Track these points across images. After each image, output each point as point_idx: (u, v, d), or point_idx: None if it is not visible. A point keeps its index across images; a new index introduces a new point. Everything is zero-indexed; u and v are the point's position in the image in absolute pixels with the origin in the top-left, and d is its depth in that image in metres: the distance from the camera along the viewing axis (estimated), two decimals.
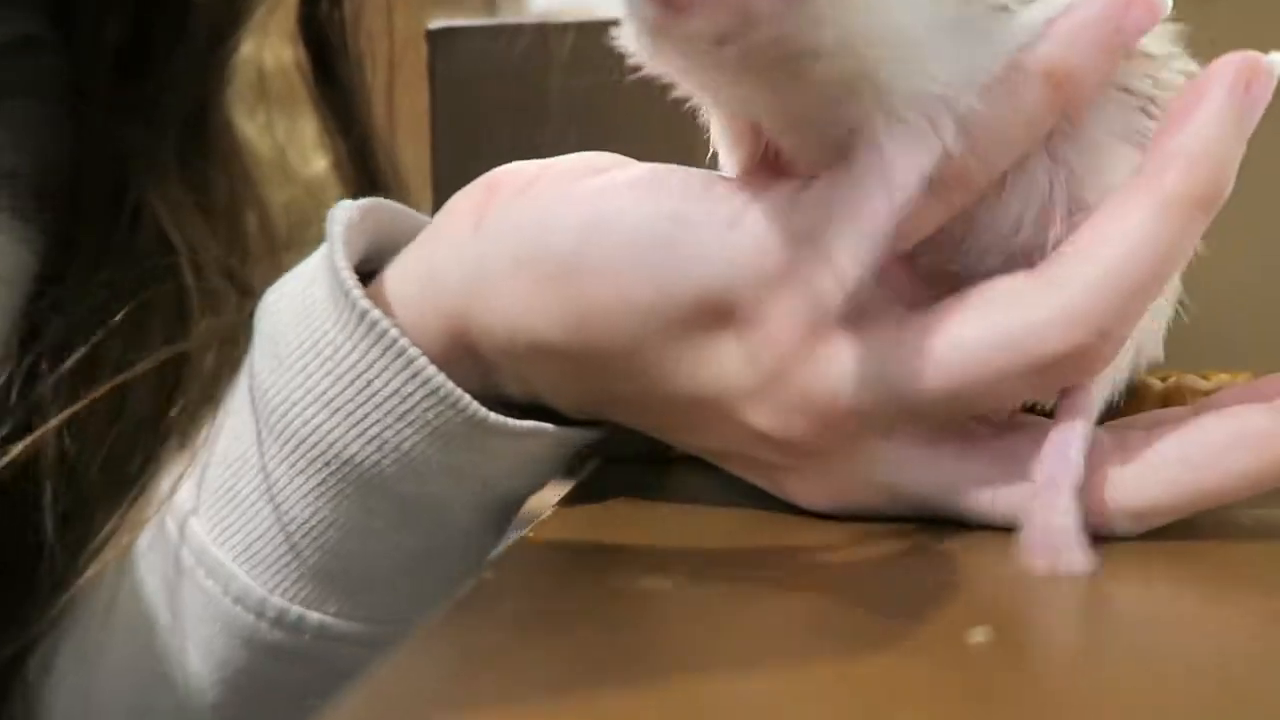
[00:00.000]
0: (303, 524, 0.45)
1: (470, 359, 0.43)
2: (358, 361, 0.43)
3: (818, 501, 0.41)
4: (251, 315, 0.48)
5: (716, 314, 0.39)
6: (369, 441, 0.43)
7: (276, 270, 0.48)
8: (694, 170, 0.40)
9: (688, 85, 0.39)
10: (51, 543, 0.52)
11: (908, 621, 0.33)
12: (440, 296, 0.42)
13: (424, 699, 0.28)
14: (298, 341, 0.44)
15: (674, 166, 0.40)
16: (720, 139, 0.41)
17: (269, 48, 0.66)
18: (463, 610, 0.33)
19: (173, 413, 0.56)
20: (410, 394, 0.42)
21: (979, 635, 0.30)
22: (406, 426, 0.43)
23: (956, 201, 0.38)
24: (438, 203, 0.60)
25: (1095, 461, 0.38)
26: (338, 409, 0.43)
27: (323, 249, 0.44)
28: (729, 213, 0.38)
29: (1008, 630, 0.31)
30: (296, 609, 0.46)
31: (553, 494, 0.47)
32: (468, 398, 0.42)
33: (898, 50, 0.35)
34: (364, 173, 0.64)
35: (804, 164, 0.39)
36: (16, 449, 0.51)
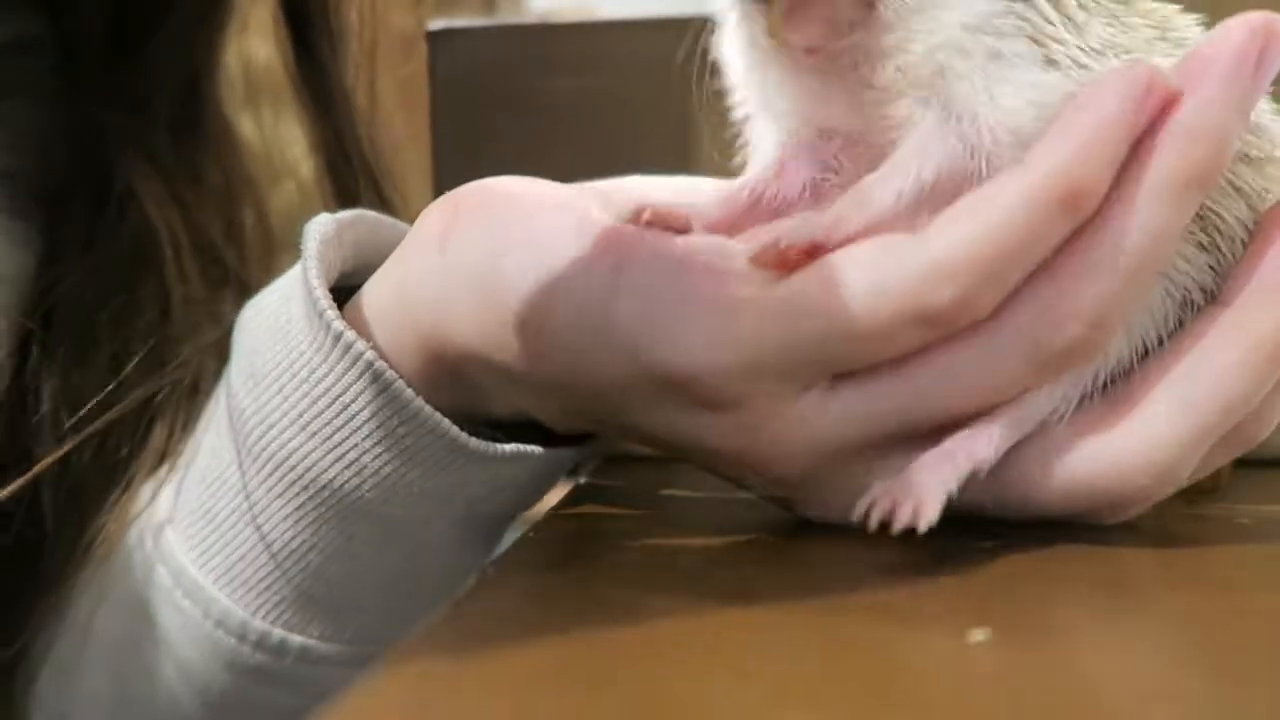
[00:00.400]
0: (284, 547, 0.44)
1: (451, 377, 0.41)
2: (334, 385, 0.41)
3: (827, 514, 0.40)
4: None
5: (681, 394, 0.37)
6: (347, 466, 0.42)
7: (272, 268, 0.48)
8: (654, 232, 0.38)
9: (772, 95, 0.40)
10: (51, 529, 0.52)
11: (908, 621, 0.33)
12: (415, 314, 0.41)
13: (427, 690, 0.28)
14: (274, 362, 0.43)
15: (622, 225, 0.38)
16: (759, 145, 0.41)
17: (261, 44, 0.66)
18: (464, 607, 0.34)
19: (158, 398, 0.55)
20: (388, 418, 0.41)
21: (979, 635, 0.31)
22: (385, 451, 0.42)
23: (956, 328, 0.36)
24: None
25: (1087, 429, 0.38)
26: (315, 432, 0.42)
27: (298, 265, 0.43)
28: (681, 293, 0.36)
29: (1008, 630, 0.31)
30: (279, 632, 0.45)
31: (554, 493, 0.47)
32: (447, 422, 0.41)
33: (957, 67, 0.36)
34: (344, 157, 0.63)
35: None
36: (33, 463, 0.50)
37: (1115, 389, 0.38)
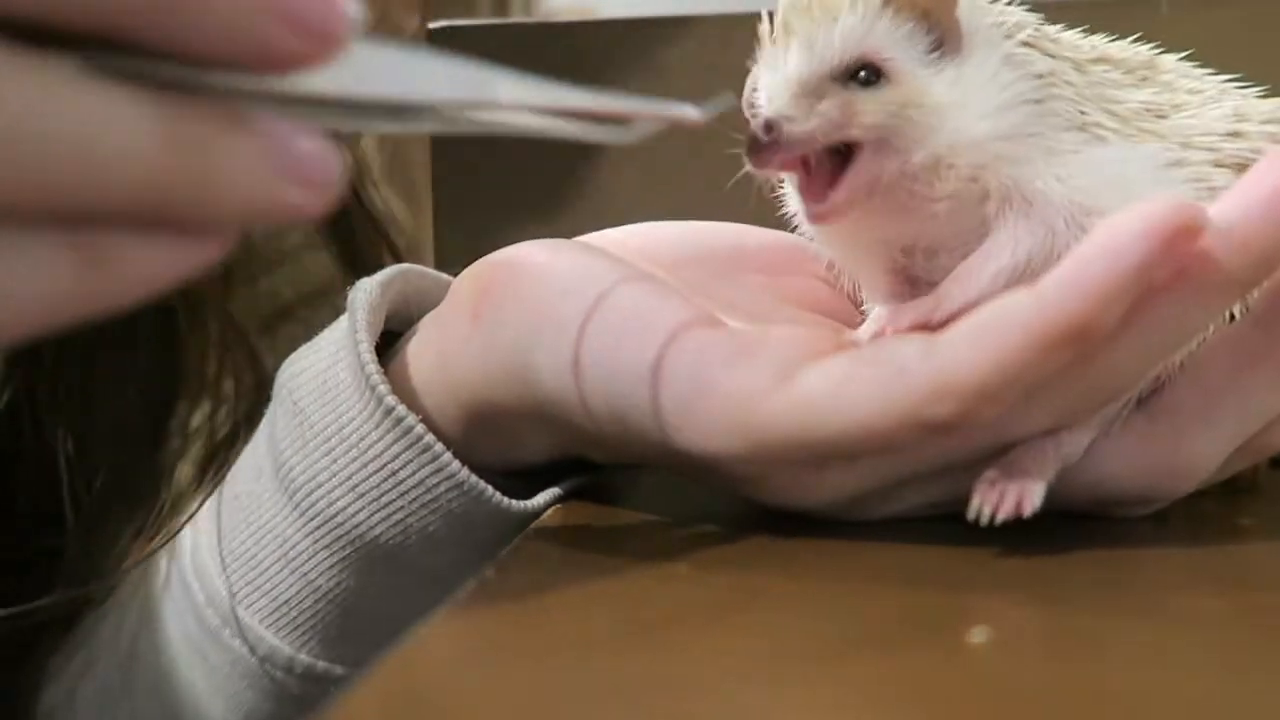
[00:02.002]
0: (328, 592, 0.46)
1: (491, 436, 0.44)
2: (383, 452, 0.44)
3: (822, 510, 0.41)
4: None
5: (711, 469, 0.39)
6: (394, 525, 0.44)
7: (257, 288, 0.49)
8: (675, 318, 0.39)
9: (846, 243, 0.42)
10: (71, 527, 0.53)
11: (908, 621, 0.33)
12: (456, 387, 0.43)
13: (429, 690, 0.28)
14: (323, 425, 0.45)
15: (658, 298, 0.39)
16: (864, 283, 0.43)
17: None
18: (465, 607, 0.34)
19: (173, 422, 0.57)
20: (435, 485, 0.43)
21: (979, 635, 0.31)
22: (431, 513, 0.44)
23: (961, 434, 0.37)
24: (439, 201, 0.61)
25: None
26: (363, 494, 0.44)
27: (344, 326, 0.45)
28: (703, 384, 0.37)
29: (1008, 630, 0.31)
30: (323, 664, 0.47)
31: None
32: (490, 490, 0.43)
33: (1018, 169, 0.38)
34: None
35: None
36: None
37: (1151, 399, 0.39)
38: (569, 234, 0.46)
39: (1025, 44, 0.39)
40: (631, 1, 0.67)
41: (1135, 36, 0.41)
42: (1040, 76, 0.39)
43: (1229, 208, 0.35)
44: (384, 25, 0.67)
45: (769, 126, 0.38)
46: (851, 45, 0.39)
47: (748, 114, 0.40)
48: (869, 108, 0.38)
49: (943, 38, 0.39)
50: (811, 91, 0.38)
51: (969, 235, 0.39)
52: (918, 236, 0.40)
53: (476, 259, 0.44)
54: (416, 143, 0.63)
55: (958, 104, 0.38)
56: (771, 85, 0.39)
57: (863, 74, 0.39)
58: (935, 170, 0.39)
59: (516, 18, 0.74)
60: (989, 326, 0.35)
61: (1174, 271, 0.35)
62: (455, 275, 0.45)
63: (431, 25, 0.60)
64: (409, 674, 0.30)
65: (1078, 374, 0.36)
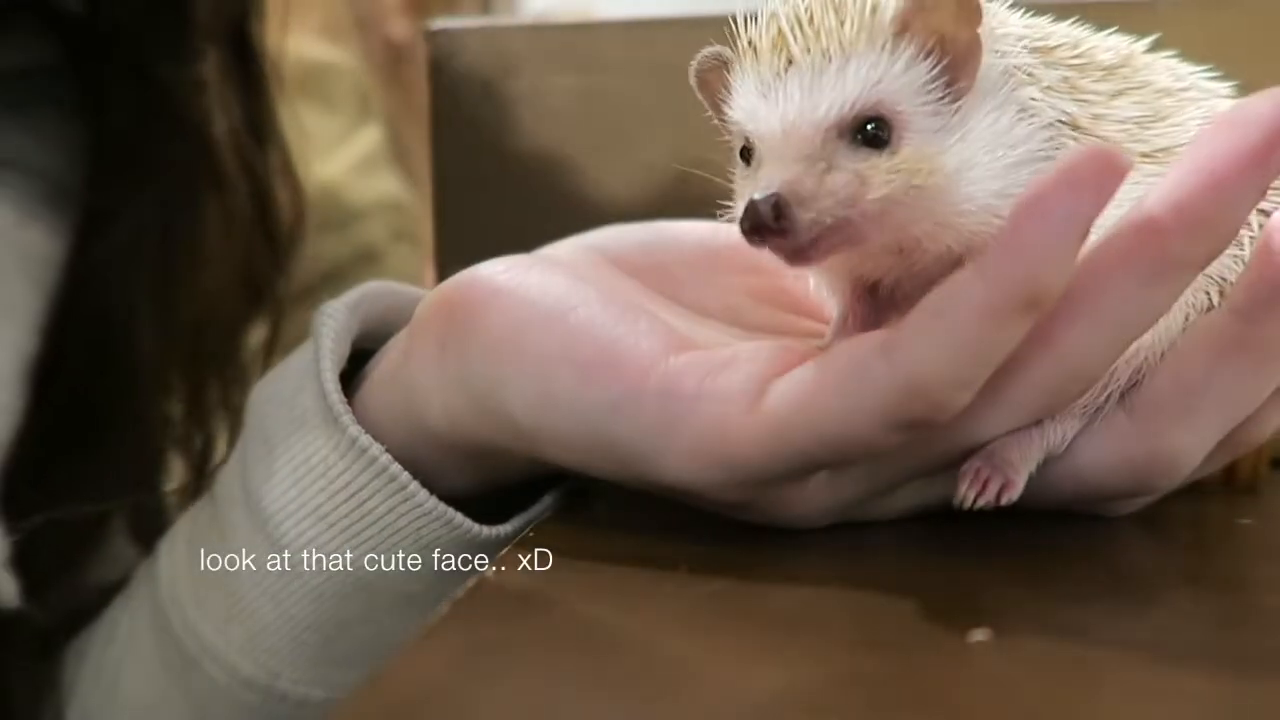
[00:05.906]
0: (303, 620, 0.46)
1: (462, 462, 0.44)
2: (350, 483, 0.44)
3: (812, 523, 0.41)
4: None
5: (689, 497, 0.39)
6: (365, 555, 0.44)
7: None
8: (642, 347, 0.38)
9: (830, 268, 0.40)
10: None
11: (908, 621, 0.33)
12: (425, 421, 0.43)
13: (429, 690, 0.28)
14: (290, 455, 0.45)
15: (626, 325, 0.39)
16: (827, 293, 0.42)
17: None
18: (464, 608, 0.34)
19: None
20: (404, 513, 0.44)
21: (979, 635, 0.31)
22: (401, 542, 0.44)
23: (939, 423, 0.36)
24: (438, 202, 0.61)
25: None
26: (333, 524, 0.44)
27: (309, 354, 0.45)
28: (671, 416, 0.37)
29: (1008, 630, 0.31)
30: (301, 689, 0.47)
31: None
32: (460, 517, 0.43)
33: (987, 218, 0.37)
34: (258, 133, 0.64)
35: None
36: None
37: (1131, 392, 0.39)
38: (568, 231, 0.46)
39: (1029, 76, 0.37)
40: (631, 2, 0.67)
41: (1133, 38, 0.41)
42: (1050, 125, 0.37)
43: (1169, 184, 0.34)
44: (377, 29, 0.67)
45: (778, 211, 0.35)
46: (865, 93, 0.36)
47: (743, 129, 0.38)
48: (880, 178, 0.36)
49: (959, 84, 0.37)
50: (818, 152, 0.36)
51: (945, 265, 0.38)
52: (898, 278, 0.40)
53: (477, 248, 0.44)
54: (416, 135, 0.63)
55: (967, 164, 0.37)
56: (773, 144, 0.36)
57: (871, 127, 0.36)
58: (933, 236, 0.37)
59: (500, 18, 0.74)
60: (940, 313, 0.34)
61: (1126, 249, 0.34)
62: (456, 266, 0.44)
63: (430, 27, 0.60)
64: (409, 674, 0.30)
65: (1041, 361, 0.35)
